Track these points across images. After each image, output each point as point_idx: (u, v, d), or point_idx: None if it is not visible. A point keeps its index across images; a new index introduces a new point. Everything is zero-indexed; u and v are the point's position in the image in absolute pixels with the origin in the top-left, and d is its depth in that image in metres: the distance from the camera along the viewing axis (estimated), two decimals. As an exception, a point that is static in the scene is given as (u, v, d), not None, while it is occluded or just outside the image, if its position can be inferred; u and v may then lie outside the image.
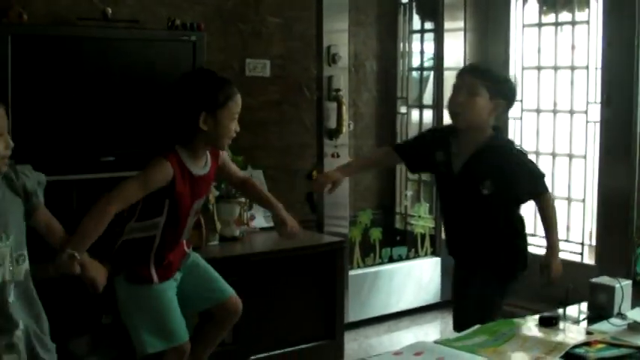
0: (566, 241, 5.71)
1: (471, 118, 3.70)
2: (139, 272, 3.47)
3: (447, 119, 6.03)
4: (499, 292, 3.77)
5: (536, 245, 5.85)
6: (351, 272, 5.54)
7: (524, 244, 3.91)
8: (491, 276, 3.72)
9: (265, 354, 4.57)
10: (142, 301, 3.50)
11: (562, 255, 5.63)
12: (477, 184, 3.67)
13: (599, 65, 5.40)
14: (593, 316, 3.08)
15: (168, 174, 3.32)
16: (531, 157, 5.85)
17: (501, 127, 4.14)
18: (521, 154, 3.85)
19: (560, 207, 5.75)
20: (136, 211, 3.46)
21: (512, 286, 3.84)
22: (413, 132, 6.32)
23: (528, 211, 5.23)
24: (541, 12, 5.92)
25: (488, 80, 3.71)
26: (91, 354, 4.05)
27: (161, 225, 3.44)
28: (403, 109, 6.39)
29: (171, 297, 3.54)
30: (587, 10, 5.61)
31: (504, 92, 3.76)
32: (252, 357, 4.44)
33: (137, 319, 3.50)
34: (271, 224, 4.49)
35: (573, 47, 5.69)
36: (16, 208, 2.91)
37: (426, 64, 6.33)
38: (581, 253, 5.68)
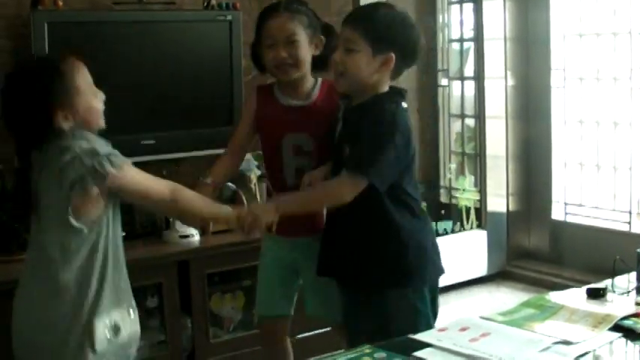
0: (613, 210, 5.65)
1: (352, 79, 2.95)
2: None
3: (489, 91, 6.01)
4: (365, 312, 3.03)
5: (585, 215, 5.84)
6: (397, 247, 5.48)
7: (405, 250, 3.07)
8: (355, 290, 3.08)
9: (309, 333, 4.51)
10: None
11: (609, 224, 5.62)
12: (341, 155, 3.01)
13: (642, 30, 5.31)
14: (642, 287, 3.03)
15: (253, 102, 3.31)
16: (574, 125, 5.87)
17: (403, 90, 3.22)
18: (387, 112, 3.01)
19: (606, 175, 5.69)
20: None
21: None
22: (455, 104, 6.26)
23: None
24: (581, -23, 5.83)
25: (370, 31, 2.90)
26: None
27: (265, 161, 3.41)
28: (444, 82, 6.30)
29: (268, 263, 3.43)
30: (628, -27, 5.51)
31: (394, 43, 2.93)
32: (298, 337, 4.39)
33: None
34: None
35: (615, 12, 5.59)
36: None
37: (466, 36, 6.25)
38: (629, 222, 5.57)
